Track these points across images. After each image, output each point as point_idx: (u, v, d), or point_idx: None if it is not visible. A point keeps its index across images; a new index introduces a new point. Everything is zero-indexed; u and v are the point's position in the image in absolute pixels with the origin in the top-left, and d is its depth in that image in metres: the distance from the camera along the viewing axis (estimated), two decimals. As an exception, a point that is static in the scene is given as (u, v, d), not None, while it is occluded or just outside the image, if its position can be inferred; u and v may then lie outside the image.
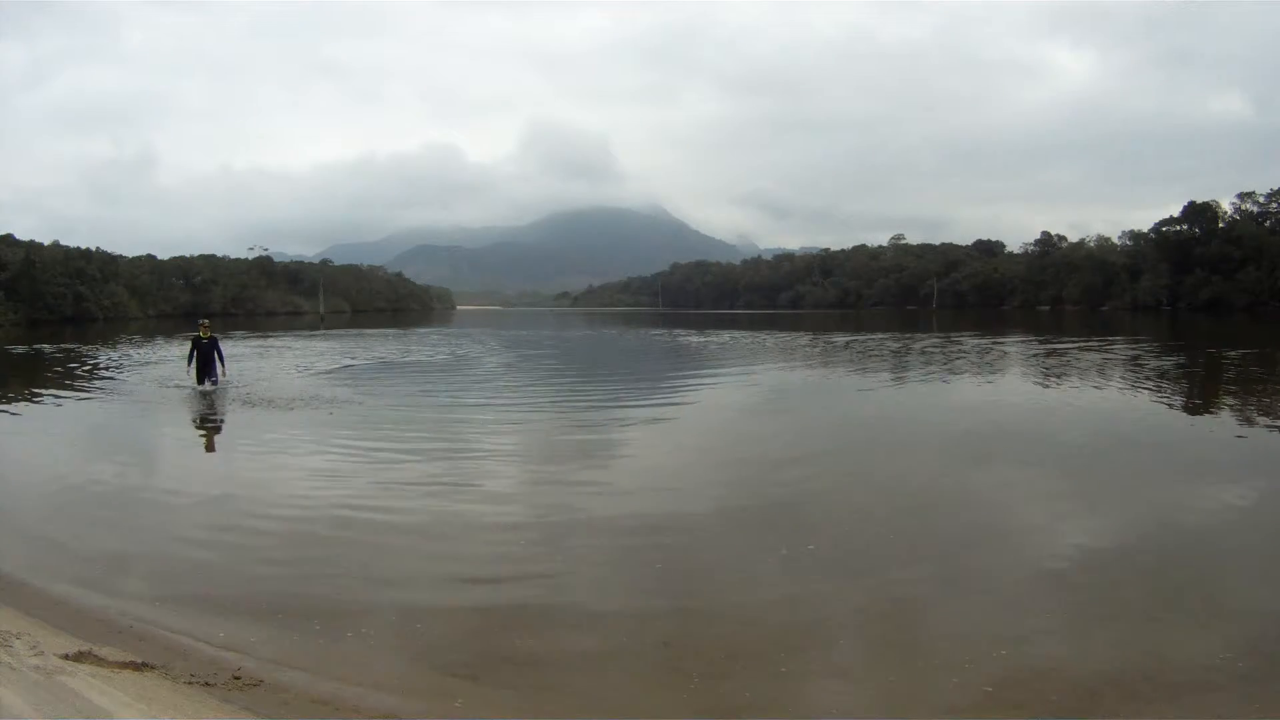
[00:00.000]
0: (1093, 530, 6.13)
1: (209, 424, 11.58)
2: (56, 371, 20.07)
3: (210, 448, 9.97)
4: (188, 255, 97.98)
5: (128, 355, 25.24)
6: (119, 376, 18.06)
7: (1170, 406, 13.14)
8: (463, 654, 4.10)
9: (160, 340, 34.39)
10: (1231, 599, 4.74)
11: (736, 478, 7.98)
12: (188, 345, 14.87)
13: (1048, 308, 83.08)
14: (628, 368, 22.54)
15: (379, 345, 31.04)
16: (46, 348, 30.10)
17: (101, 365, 21.41)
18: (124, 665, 3.77)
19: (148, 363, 22.28)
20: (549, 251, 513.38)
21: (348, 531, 6.08)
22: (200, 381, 14.22)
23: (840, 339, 32.49)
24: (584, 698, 3.69)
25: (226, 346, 16.49)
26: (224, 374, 14.55)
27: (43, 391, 15.44)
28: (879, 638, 4.28)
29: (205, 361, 14.36)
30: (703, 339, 35.43)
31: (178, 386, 14.98)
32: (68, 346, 30.18)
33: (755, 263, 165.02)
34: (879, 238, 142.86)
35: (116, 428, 11.42)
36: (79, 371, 19.73)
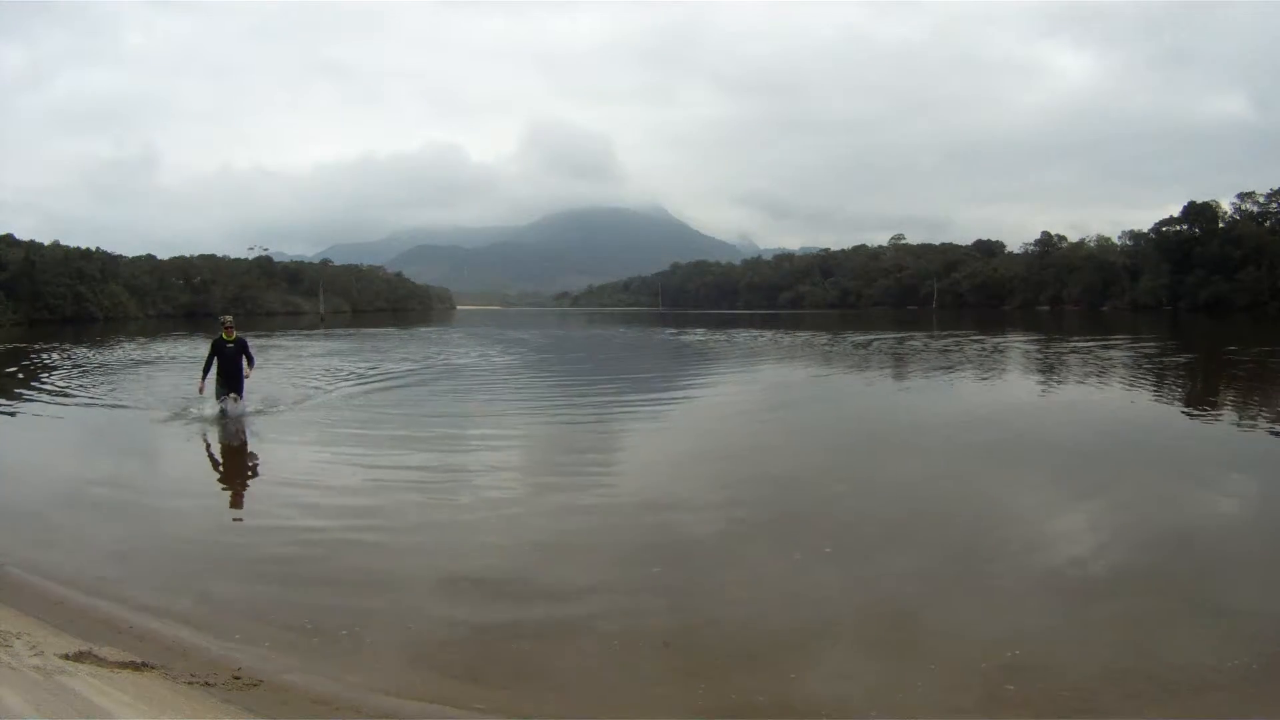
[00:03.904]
0: (1094, 530, 6.14)
1: (223, 437, 10.20)
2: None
3: (211, 449, 9.93)
4: (188, 255, 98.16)
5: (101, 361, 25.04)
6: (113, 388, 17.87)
7: (1176, 406, 13.15)
8: (462, 654, 4.10)
9: (141, 340, 34.39)
10: (1232, 599, 4.73)
11: (740, 478, 7.97)
12: (197, 348, 11.87)
13: (1048, 308, 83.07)
14: (639, 367, 22.42)
15: (394, 347, 29.15)
16: (25, 346, 29.98)
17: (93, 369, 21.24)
18: (124, 665, 3.77)
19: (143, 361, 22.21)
20: (549, 251, 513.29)
21: (347, 531, 6.07)
22: (221, 402, 11.03)
23: (856, 339, 32.40)
24: (583, 698, 3.69)
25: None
26: (248, 372, 11.32)
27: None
28: (879, 638, 4.28)
29: (231, 372, 11.13)
30: (708, 338, 35.45)
31: (181, 417, 11.48)
32: (46, 346, 30.06)
33: (755, 263, 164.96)
34: (879, 238, 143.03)
35: (120, 429, 11.40)
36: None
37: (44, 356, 24.48)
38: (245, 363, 11.24)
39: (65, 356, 24.33)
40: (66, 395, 14.66)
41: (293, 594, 4.86)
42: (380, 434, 10.37)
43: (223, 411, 10.98)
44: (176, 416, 11.55)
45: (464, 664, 3.99)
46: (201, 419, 11.07)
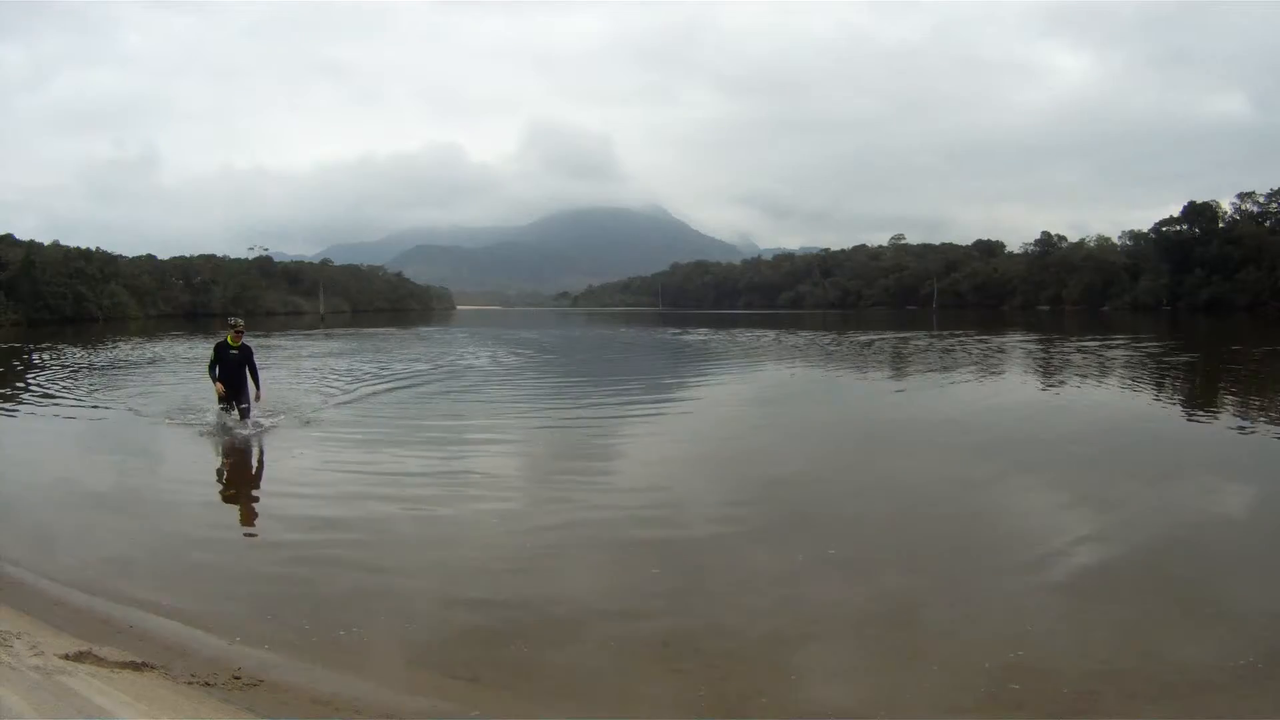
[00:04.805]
0: (1096, 530, 6.13)
1: (226, 444, 9.66)
2: None
3: (211, 450, 9.87)
4: (188, 255, 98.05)
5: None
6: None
7: (1177, 406, 13.15)
8: (462, 654, 4.09)
9: (137, 340, 34.32)
10: (1231, 599, 4.74)
11: (739, 477, 7.98)
12: (209, 352, 10.34)
13: (1047, 308, 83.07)
14: (645, 368, 22.33)
15: (398, 348, 28.57)
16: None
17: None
18: (124, 665, 3.76)
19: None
20: (549, 251, 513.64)
21: (346, 532, 6.08)
22: (224, 412, 10.19)
23: (859, 339, 32.39)
24: (583, 698, 3.69)
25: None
26: (259, 396, 10.31)
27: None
28: (878, 638, 4.28)
29: (234, 381, 10.12)
30: (710, 338, 35.44)
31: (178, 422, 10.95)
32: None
33: (755, 263, 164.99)
34: (879, 238, 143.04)
35: (121, 433, 11.36)
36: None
37: (44, 356, 24.49)
38: (250, 378, 10.18)
39: (67, 358, 24.28)
40: (65, 398, 14.65)
41: (293, 594, 4.86)
42: (381, 437, 10.36)
43: (225, 423, 10.12)
44: (177, 420, 11.19)
45: (464, 664, 3.99)
46: (203, 425, 10.49)
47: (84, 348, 28.89)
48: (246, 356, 10.22)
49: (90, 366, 21.12)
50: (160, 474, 8.55)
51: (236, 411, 10.19)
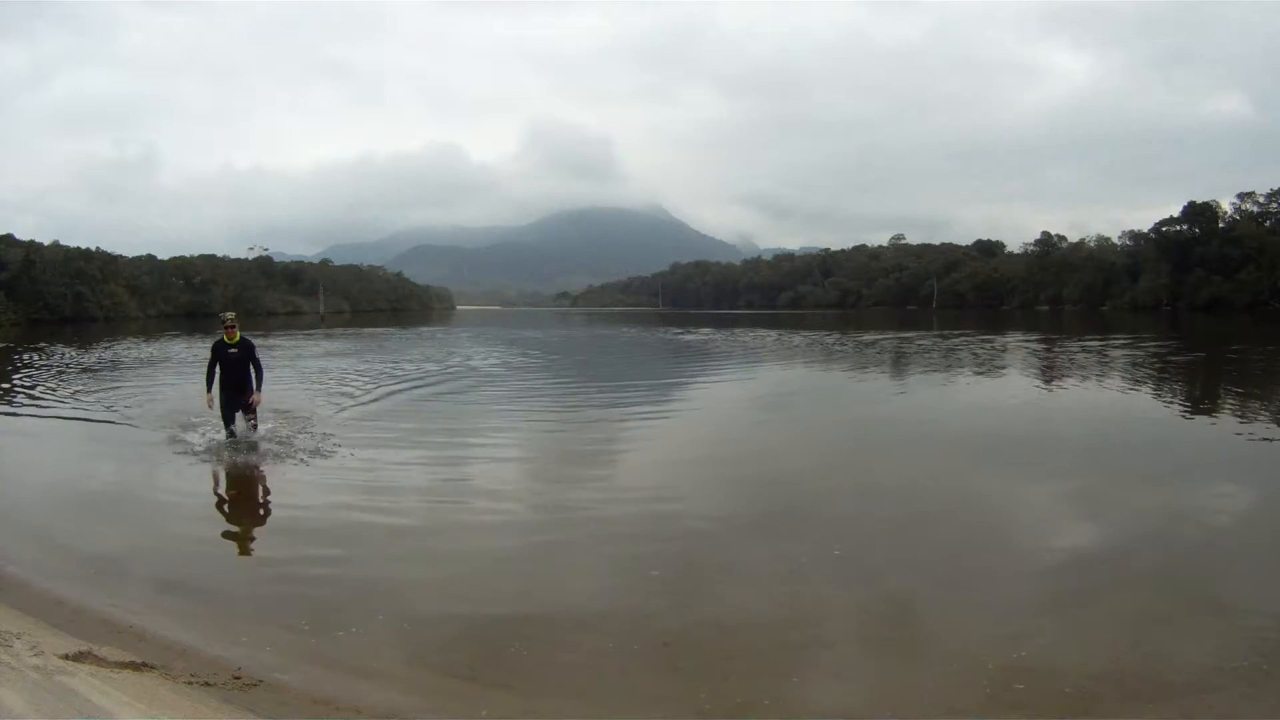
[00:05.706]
0: (1094, 530, 6.13)
1: (231, 458, 8.85)
2: None
3: (213, 452, 9.68)
4: (188, 255, 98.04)
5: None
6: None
7: (1179, 405, 13.14)
8: (462, 655, 4.09)
9: (132, 340, 34.30)
10: (1232, 599, 4.73)
11: (741, 478, 7.97)
12: (206, 354, 9.46)
13: (1047, 308, 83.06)
14: (651, 370, 22.24)
15: (401, 349, 28.25)
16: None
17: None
18: (124, 665, 3.76)
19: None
20: (549, 251, 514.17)
21: (347, 532, 6.07)
22: (228, 421, 9.27)
23: (861, 339, 32.39)
24: (583, 698, 3.69)
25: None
26: (258, 396, 9.34)
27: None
28: (879, 638, 4.28)
29: (236, 382, 9.21)
30: (711, 337, 35.43)
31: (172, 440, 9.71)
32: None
33: (755, 263, 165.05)
34: (879, 238, 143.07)
35: (117, 433, 11.35)
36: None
37: (42, 357, 24.48)
38: (253, 374, 9.31)
39: (69, 358, 24.28)
40: (61, 399, 14.64)
41: (293, 594, 4.86)
42: (383, 439, 10.34)
43: (231, 433, 9.27)
44: (177, 423, 10.68)
45: (464, 664, 3.99)
46: (204, 428, 9.76)
47: (83, 348, 28.84)
48: (248, 353, 9.34)
49: (97, 366, 21.14)
50: (161, 476, 8.50)
51: (239, 417, 9.41)
